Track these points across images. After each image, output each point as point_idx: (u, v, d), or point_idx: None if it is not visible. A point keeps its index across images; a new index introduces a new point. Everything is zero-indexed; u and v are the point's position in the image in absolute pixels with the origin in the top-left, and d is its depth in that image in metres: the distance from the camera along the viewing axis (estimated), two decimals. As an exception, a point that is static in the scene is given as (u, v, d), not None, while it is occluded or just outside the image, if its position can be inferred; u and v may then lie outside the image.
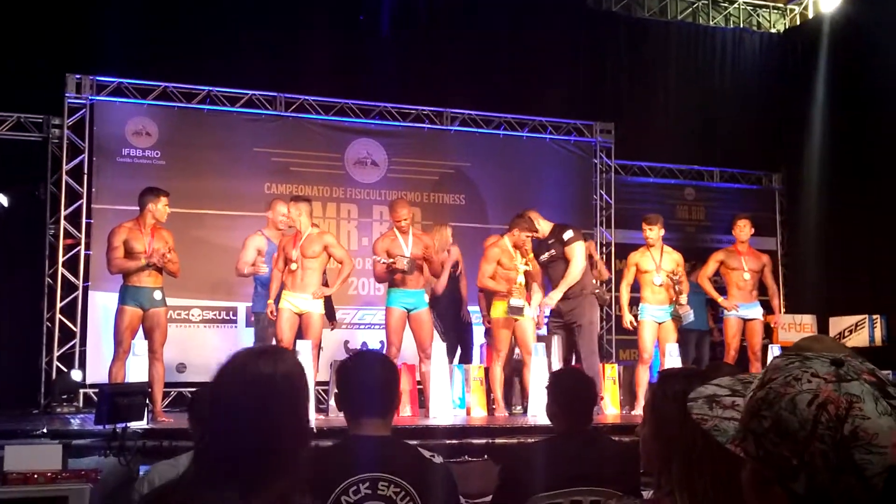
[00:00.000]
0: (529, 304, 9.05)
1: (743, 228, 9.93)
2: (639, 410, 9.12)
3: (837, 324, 11.52)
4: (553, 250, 9.28)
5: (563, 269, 9.22)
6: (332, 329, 9.85)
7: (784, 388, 1.28)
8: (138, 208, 8.29)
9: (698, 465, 2.22)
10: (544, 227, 9.33)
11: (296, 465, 1.98)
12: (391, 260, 8.64)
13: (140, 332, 8.17)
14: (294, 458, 1.97)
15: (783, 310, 12.66)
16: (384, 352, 8.63)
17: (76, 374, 9.63)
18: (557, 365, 8.90)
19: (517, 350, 9.32)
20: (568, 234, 9.34)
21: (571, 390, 3.89)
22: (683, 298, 9.39)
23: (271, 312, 8.49)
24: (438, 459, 3.10)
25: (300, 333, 8.51)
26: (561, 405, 3.88)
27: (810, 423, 1.23)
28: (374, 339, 10.60)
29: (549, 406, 3.98)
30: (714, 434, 1.40)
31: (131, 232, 8.12)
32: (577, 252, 9.23)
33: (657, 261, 9.44)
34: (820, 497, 1.24)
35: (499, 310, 8.98)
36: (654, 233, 9.47)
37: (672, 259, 9.56)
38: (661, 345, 9.46)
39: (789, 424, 1.25)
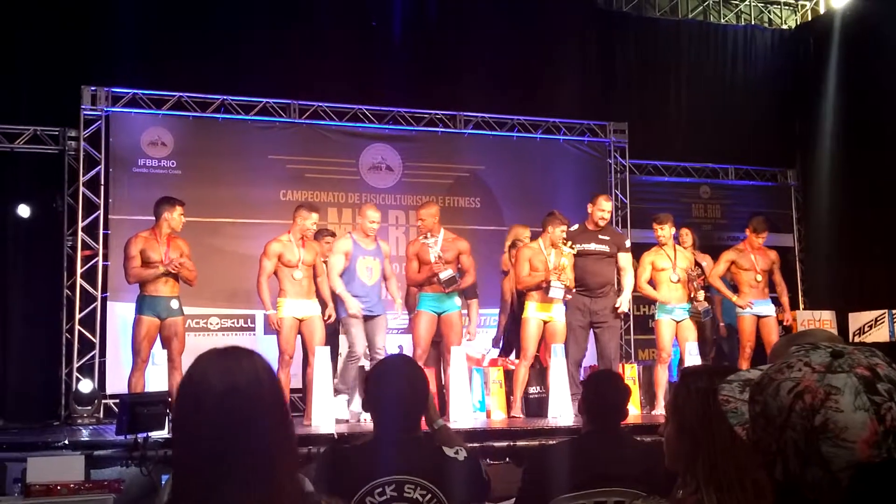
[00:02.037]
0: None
1: (759, 236, 9.91)
2: (658, 410, 9.11)
3: (857, 319, 11.45)
4: (606, 247, 9.30)
5: (606, 267, 9.36)
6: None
7: (775, 374, 1.29)
8: (154, 218, 8.34)
9: (723, 462, 2.22)
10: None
11: (282, 471, 1.84)
12: (449, 275, 8.67)
13: (158, 342, 8.20)
14: (278, 463, 1.83)
15: (802, 306, 12.63)
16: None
17: (85, 386, 9.64)
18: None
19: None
20: (629, 243, 9.74)
21: (607, 392, 3.88)
22: (701, 294, 9.37)
23: (278, 321, 8.42)
24: (462, 455, 3.11)
25: (303, 339, 8.56)
26: (594, 405, 3.88)
27: (786, 411, 1.25)
28: (391, 344, 10.57)
29: (582, 404, 4.00)
30: (730, 416, 1.42)
31: (147, 241, 8.15)
32: (631, 261, 9.62)
33: (672, 258, 9.43)
34: (793, 486, 1.25)
35: (529, 310, 8.97)
36: (666, 231, 9.48)
37: (685, 256, 9.58)
38: (680, 344, 9.42)
39: (771, 410, 1.27)
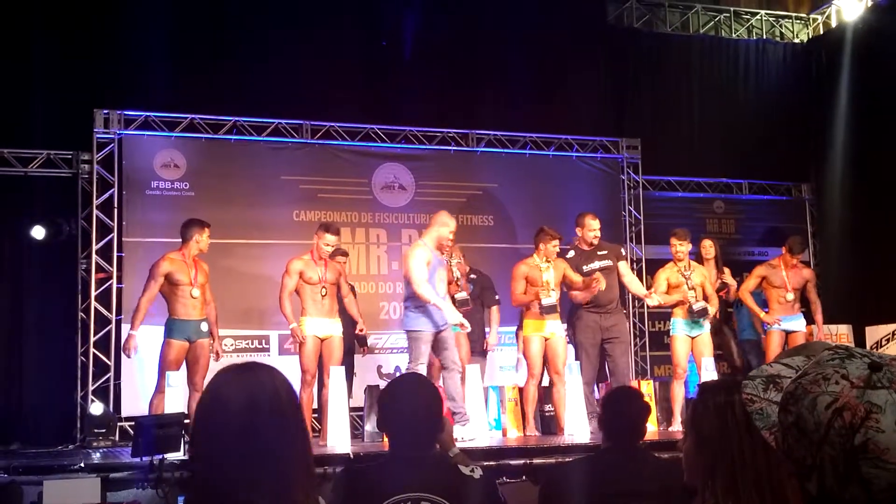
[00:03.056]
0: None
1: (795, 257, 9.91)
2: (675, 426, 9.06)
3: (874, 333, 11.40)
4: (609, 261, 9.29)
5: (613, 281, 9.29)
6: (363, 355, 9.85)
7: (811, 386, 1.26)
8: (180, 239, 8.39)
9: (742, 476, 2.20)
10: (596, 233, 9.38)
11: (300, 486, 1.85)
12: (464, 296, 8.67)
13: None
14: (297, 478, 1.84)
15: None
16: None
17: (96, 408, 9.66)
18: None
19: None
20: (623, 251, 9.80)
21: (626, 410, 3.86)
22: (708, 300, 9.34)
23: (301, 335, 8.39)
24: (478, 473, 3.10)
25: (322, 358, 8.54)
26: (613, 423, 3.86)
27: (824, 427, 1.21)
28: (406, 364, 10.53)
29: (601, 421, 4.00)
30: (755, 418, 1.40)
31: (175, 263, 8.23)
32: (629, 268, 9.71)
33: (686, 275, 9.39)
34: (828, 501, 1.22)
35: (530, 329, 8.96)
36: (686, 247, 9.44)
37: (699, 273, 9.52)
38: (696, 359, 9.38)
39: (807, 424, 1.24)
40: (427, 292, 8.02)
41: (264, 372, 1.88)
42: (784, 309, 9.73)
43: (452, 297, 8.68)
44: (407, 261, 8.30)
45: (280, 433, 1.81)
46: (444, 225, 8.31)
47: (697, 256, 10.29)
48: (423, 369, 8.11)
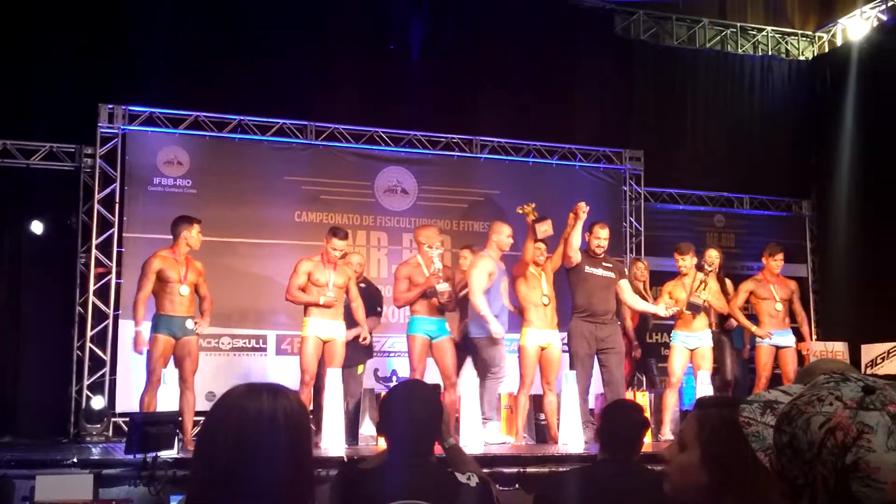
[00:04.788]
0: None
1: (775, 258, 9.89)
2: (666, 436, 9.04)
3: (870, 351, 11.40)
4: (612, 274, 9.27)
5: (611, 294, 9.25)
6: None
7: (805, 407, 1.28)
8: (171, 237, 8.34)
9: (751, 499, 2.18)
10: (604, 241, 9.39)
11: None
12: (445, 287, 8.67)
13: (170, 361, 8.20)
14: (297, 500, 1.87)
15: (814, 337, 12.54)
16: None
17: (97, 402, 9.65)
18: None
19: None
20: (626, 269, 9.85)
21: (624, 423, 3.85)
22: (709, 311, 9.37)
23: (301, 339, 8.50)
24: (474, 482, 3.10)
25: (322, 360, 8.54)
26: (609, 435, 3.86)
27: (816, 446, 1.24)
28: (404, 367, 10.52)
29: (597, 433, 4.00)
30: (752, 441, 1.44)
31: (166, 260, 8.16)
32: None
33: (689, 290, 9.38)
34: None
35: (526, 338, 8.92)
36: (687, 261, 9.44)
37: (709, 289, 9.48)
38: (694, 371, 9.38)
39: (800, 443, 1.26)
40: (480, 302, 8.60)
41: (268, 395, 1.88)
42: (775, 323, 9.73)
43: (432, 288, 8.69)
44: (469, 270, 8.72)
45: (269, 458, 1.82)
46: (501, 232, 8.99)
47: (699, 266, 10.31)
48: (507, 368, 8.68)
